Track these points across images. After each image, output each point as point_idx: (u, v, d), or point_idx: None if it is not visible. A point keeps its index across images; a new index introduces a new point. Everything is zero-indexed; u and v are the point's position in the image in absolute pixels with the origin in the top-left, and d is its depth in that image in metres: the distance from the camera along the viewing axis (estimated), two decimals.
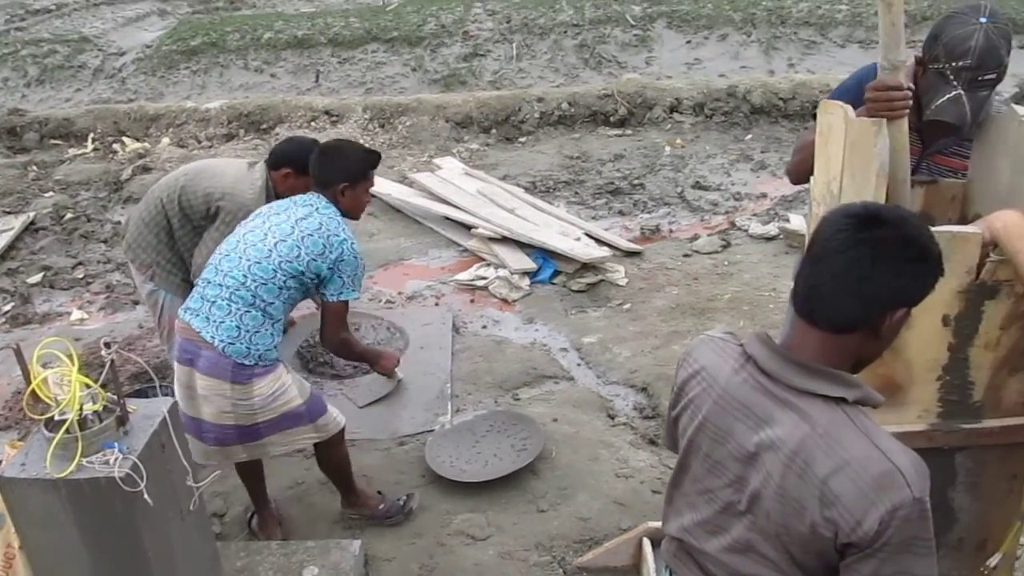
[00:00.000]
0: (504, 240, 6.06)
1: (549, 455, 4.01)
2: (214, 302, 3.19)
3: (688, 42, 11.65)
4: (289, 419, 3.29)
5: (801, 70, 10.65)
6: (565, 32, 11.79)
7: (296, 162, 3.81)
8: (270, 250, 3.20)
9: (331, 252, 3.22)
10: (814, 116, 2.39)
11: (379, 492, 3.76)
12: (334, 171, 3.38)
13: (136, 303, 5.78)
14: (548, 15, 12.42)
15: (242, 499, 3.76)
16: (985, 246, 2.05)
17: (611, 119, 8.81)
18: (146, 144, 8.71)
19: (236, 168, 3.99)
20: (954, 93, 2.30)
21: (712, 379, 1.70)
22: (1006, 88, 9.37)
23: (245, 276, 3.17)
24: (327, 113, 8.85)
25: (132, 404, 2.50)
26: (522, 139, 8.63)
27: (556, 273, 5.81)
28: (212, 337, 3.15)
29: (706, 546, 1.73)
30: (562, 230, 6.18)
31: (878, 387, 2.13)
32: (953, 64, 2.28)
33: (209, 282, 3.24)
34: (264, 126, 8.89)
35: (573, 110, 8.85)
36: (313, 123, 8.77)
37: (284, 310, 3.27)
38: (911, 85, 2.18)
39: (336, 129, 8.57)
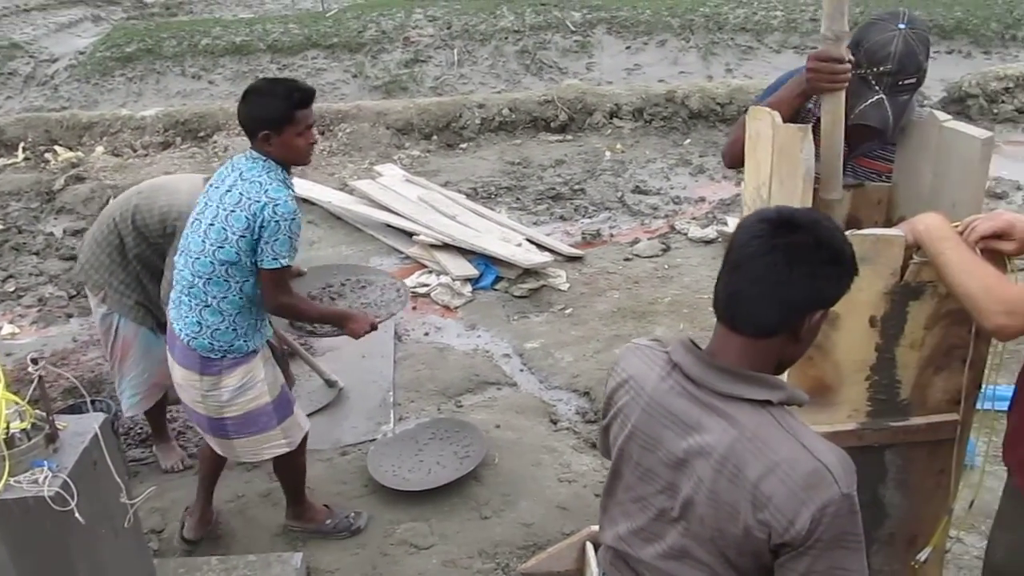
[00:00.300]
0: (446, 247, 6.06)
1: (492, 461, 4.01)
2: (179, 296, 3.15)
3: (628, 48, 11.77)
4: (256, 419, 3.23)
5: (739, 75, 10.83)
6: (506, 38, 11.83)
7: None
8: (203, 240, 3.05)
9: (255, 222, 2.97)
10: None
11: (326, 506, 3.72)
12: (251, 119, 3.06)
13: (70, 316, 5.66)
14: (489, 21, 12.44)
15: (180, 513, 3.70)
16: (908, 248, 2.10)
17: (552, 125, 8.86)
18: (79, 153, 8.51)
19: (190, 184, 3.81)
20: (876, 98, 2.35)
21: (640, 387, 1.72)
22: (934, 93, 9.64)
23: (192, 275, 3.09)
24: None
25: (62, 421, 2.44)
26: (463, 145, 8.63)
27: (498, 279, 5.82)
28: (180, 331, 3.13)
29: (642, 554, 1.74)
30: (504, 236, 6.19)
31: (809, 388, 2.19)
32: (875, 69, 2.34)
33: (177, 274, 3.20)
34: (202, 134, 8.76)
35: (514, 116, 8.88)
36: None
37: (245, 299, 3.11)
38: (851, 58, 2.22)
39: None
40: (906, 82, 2.35)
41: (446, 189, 7.31)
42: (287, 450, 3.36)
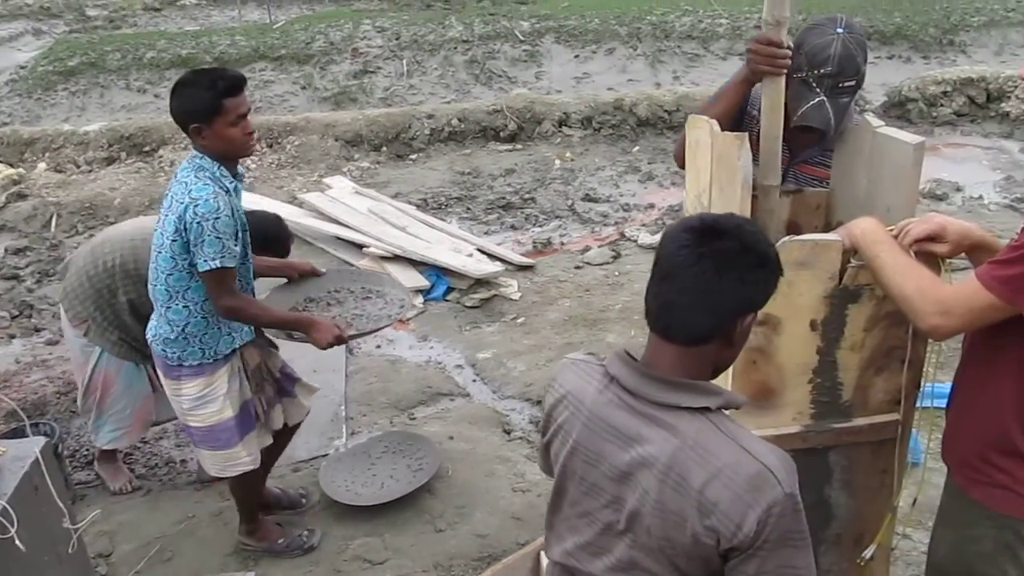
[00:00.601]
0: (396, 258, 6.03)
1: (445, 473, 4.00)
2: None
3: (577, 56, 11.85)
4: (218, 435, 3.18)
5: (686, 82, 10.95)
6: (455, 48, 11.85)
7: (252, 238, 3.65)
8: (152, 247, 3.07)
9: (181, 225, 2.88)
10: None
11: (279, 524, 3.67)
12: (180, 112, 2.94)
13: (13, 337, 5.53)
14: (438, 31, 12.45)
15: (128, 537, 3.64)
16: (846, 253, 2.13)
17: (501, 134, 8.88)
18: (21, 170, 8.33)
19: None
20: (817, 100, 2.39)
21: (579, 402, 1.71)
22: (876, 97, 9.83)
23: (151, 282, 3.09)
24: None
25: (2, 445, 2.39)
26: (413, 156, 8.62)
27: (449, 290, 5.82)
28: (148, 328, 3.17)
29: (590, 568, 1.74)
30: (454, 246, 6.19)
31: (753, 392, 2.21)
32: (815, 72, 2.38)
33: None
34: (147, 148, 8.65)
35: (463, 126, 8.89)
36: None
37: (192, 307, 3.04)
38: (791, 44, 2.25)
39: None
40: (845, 84, 2.40)
41: (396, 200, 7.29)
42: (252, 467, 3.30)
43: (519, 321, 5.49)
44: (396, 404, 4.66)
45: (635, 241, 6.54)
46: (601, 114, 9.05)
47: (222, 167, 2.98)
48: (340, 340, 3.14)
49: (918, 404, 2.35)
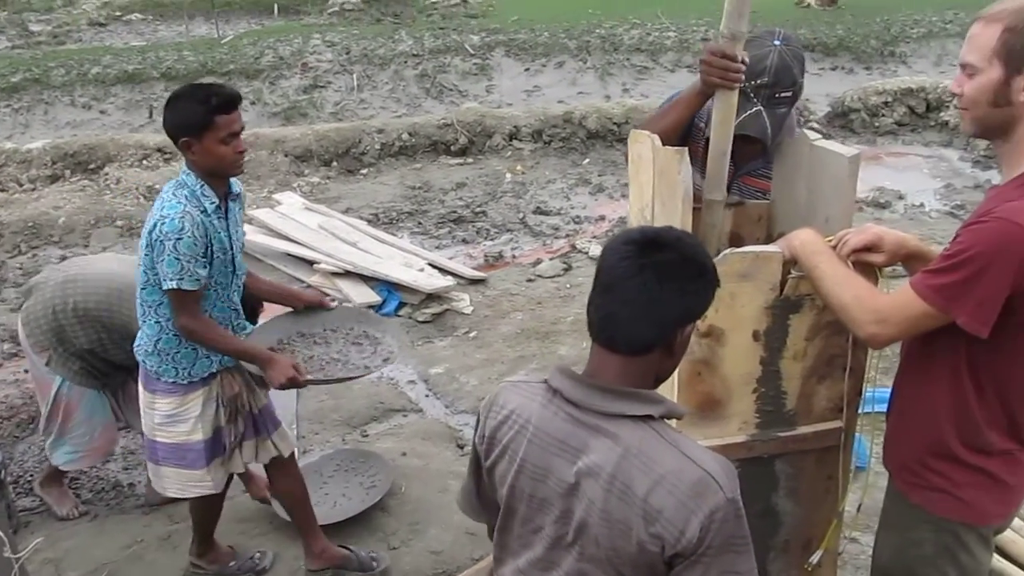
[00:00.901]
0: (347, 274, 6.01)
1: (399, 491, 3.97)
2: None
3: (527, 70, 11.92)
4: (184, 453, 3.12)
5: (635, 94, 11.07)
6: (406, 62, 11.85)
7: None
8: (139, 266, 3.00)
9: (151, 239, 2.84)
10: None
11: (231, 547, 3.62)
12: (171, 125, 2.89)
13: None
14: (388, 45, 12.44)
15: (75, 563, 3.56)
16: (786, 264, 2.17)
17: (452, 148, 8.90)
18: None
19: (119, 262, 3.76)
20: (755, 109, 2.44)
21: (524, 420, 1.71)
22: (820, 108, 10.02)
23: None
24: (159, 151, 8.54)
25: None
26: (364, 171, 8.59)
27: (401, 305, 5.80)
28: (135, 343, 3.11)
29: None
30: (406, 261, 6.18)
31: (699, 403, 2.24)
32: (753, 83, 2.42)
33: None
34: (92, 166, 8.50)
35: (414, 140, 8.89)
36: (145, 161, 8.46)
37: (164, 324, 2.98)
38: (745, 59, 2.29)
39: (170, 167, 8.28)
40: (783, 95, 2.45)
41: (347, 216, 7.26)
42: (212, 492, 3.24)
43: (471, 335, 5.49)
44: (348, 421, 4.63)
45: (586, 253, 6.58)
46: (551, 127, 9.11)
47: (206, 186, 2.92)
48: (295, 383, 3.03)
49: (861, 410, 2.39)
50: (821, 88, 10.74)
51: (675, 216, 2.14)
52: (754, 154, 2.64)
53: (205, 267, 2.90)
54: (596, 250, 6.57)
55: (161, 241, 2.79)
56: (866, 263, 2.12)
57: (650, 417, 1.62)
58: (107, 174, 8.26)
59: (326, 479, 4.03)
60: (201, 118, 2.81)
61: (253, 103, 10.82)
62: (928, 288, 1.87)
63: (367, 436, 4.51)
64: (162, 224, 2.80)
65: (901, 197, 7.86)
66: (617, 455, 1.59)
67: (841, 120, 9.97)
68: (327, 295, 3.65)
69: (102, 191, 7.99)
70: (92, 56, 12.35)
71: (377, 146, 8.76)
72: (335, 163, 8.65)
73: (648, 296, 1.58)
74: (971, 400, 1.97)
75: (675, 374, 2.18)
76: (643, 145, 2.31)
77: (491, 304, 5.86)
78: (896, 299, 1.95)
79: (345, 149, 8.74)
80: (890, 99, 9.99)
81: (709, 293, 1.65)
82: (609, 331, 1.63)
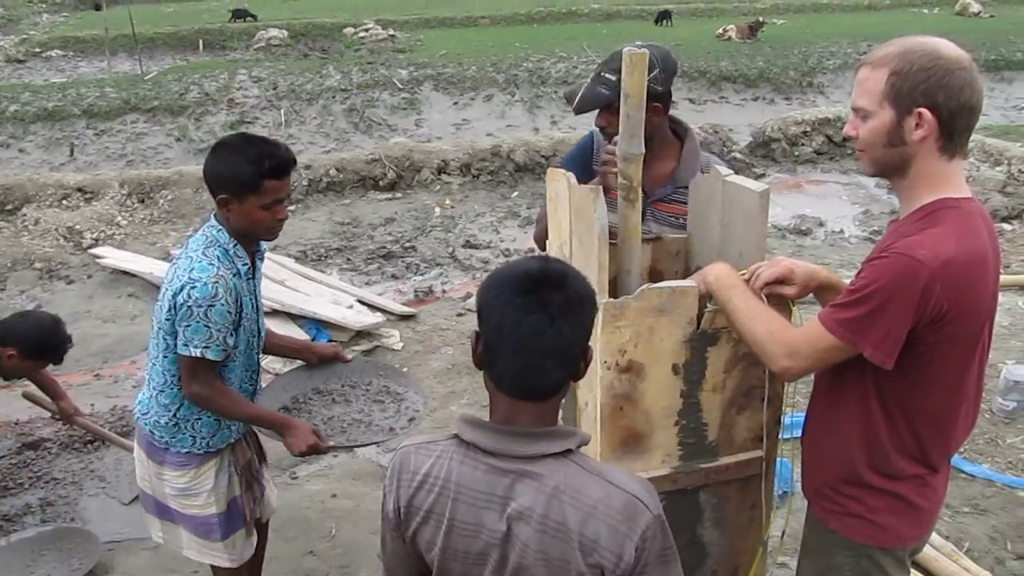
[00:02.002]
0: (275, 313, 5.91)
1: (329, 533, 3.91)
2: (149, 368, 2.84)
3: (456, 103, 12.00)
4: (198, 524, 2.89)
5: (563, 127, 11.22)
6: (334, 97, 11.83)
7: (23, 343, 3.46)
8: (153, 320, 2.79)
9: (175, 302, 2.60)
10: None
11: None
12: (212, 177, 2.64)
13: None
14: (315, 80, 12.41)
15: None
16: (702, 298, 2.21)
17: (380, 183, 8.88)
18: None
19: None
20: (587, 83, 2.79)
21: (443, 481, 1.68)
22: (742, 138, 10.26)
23: (152, 354, 2.80)
24: (80, 190, 8.36)
25: None
26: (291, 208, 8.50)
27: (330, 343, 5.73)
28: (137, 402, 2.88)
29: None
30: (334, 299, 6.13)
31: (622, 438, 2.26)
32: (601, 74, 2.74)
33: None
34: (9, 207, 8.27)
35: (342, 176, 8.85)
36: (65, 201, 8.26)
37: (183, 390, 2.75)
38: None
39: (91, 207, 8.12)
40: (606, 75, 2.70)
41: (274, 254, 7.17)
42: (230, 566, 2.99)
43: (402, 371, 5.45)
44: (277, 464, 4.53)
45: None
46: (480, 160, 9.16)
47: (239, 246, 2.71)
48: (315, 450, 2.77)
49: (784, 436, 2.44)
50: (743, 118, 11.03)
51: (592, 252, 2.17)
52: (661, 180, 2.74)
53: (233, 335, 2.70)
54: None
55: (190, 307, 2.57)
56: (779, 295, 2.16)
57: (569, 451, 1.64)
58: (25, 215, 8.05)
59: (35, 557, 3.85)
60: (248, 179, 2.57)
61: (178, 140, 10.69)
62: (834, 322, 1.92)
63: (296, 478, 4.44)
64: (191, 288, 2.56)
65: (821, 224, 8.06)
66: (546, 495, 1.60)
67: (763, 149, 10.22)
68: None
69: (19, 232, 7.78)
70: (10, 94, 12.09)
71: (305, 182, 8.71)
72: None
73: (563, 342, 1.60)
74: (880, 428, 2.02)
75: (597, 409, 2.21)
76: (560, 184, 2.34)
77: (421, 340, 5.84)
78: (806, 333, 1.99)
79: None
80: (809, 128, 10.28)
81: (595, 313, 1.69)
82: (527, 385, 1.63)
